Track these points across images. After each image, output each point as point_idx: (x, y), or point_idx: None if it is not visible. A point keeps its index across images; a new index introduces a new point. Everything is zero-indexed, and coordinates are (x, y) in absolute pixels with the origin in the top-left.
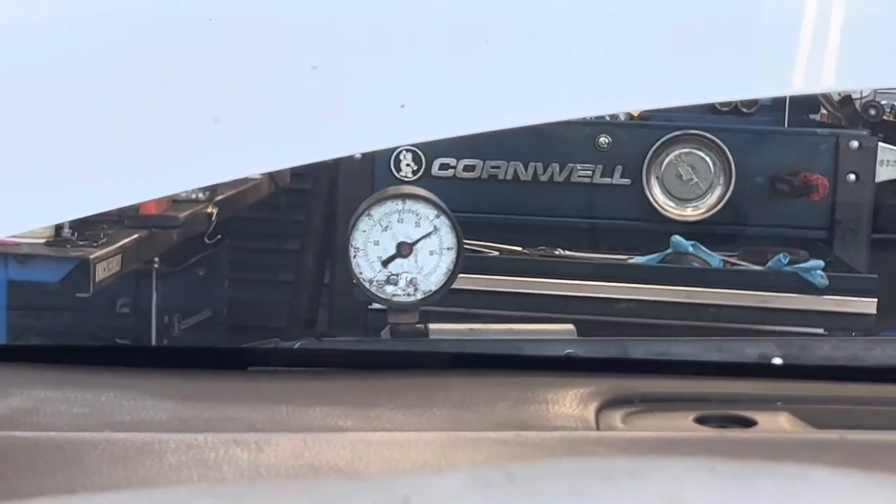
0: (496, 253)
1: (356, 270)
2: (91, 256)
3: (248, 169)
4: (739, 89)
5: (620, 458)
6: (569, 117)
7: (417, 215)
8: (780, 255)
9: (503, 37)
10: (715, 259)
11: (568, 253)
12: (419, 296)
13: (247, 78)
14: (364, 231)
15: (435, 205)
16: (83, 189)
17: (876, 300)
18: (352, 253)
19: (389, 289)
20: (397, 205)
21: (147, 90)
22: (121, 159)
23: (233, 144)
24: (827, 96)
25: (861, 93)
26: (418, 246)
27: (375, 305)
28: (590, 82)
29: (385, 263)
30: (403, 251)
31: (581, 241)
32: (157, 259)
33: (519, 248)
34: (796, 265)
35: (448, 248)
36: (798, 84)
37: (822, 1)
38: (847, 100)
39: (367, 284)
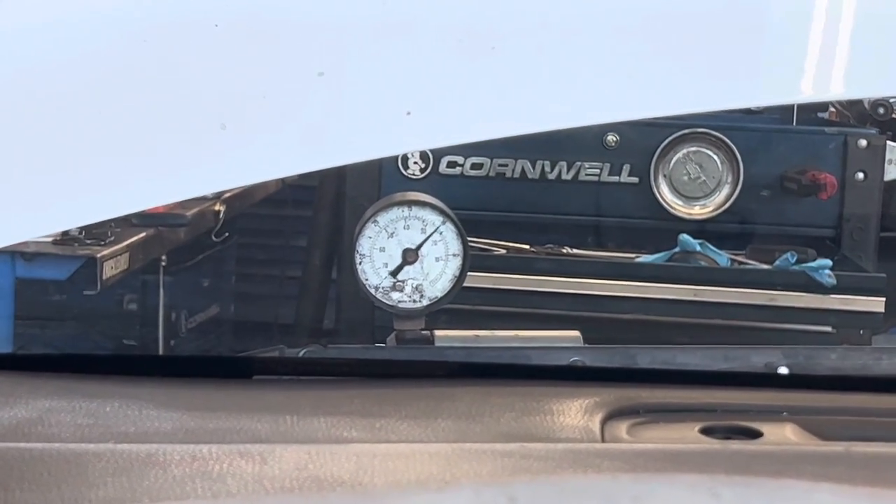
0: (504, 251)
1: (362, 277)
2: (98, 255)
3: (254, 176)
4: (749, 97)
5: (624, 478)
6: (574, 125)
7: (423, 222)
8: (788, 254)
9: (509, 44)
10: (722, 258)
11: (575, 251)
12: (425, 302)
13: (253, 84)
14: (370, 237)
15: (441, 211)
16: (91, 197)
17: (884, 299)
18: (357, 259)
19: (395, 295)
20: (403, 211)
21: (154, 97)
22: (128, 166)
23: (239, 151)
24: None
25: None
26: (424, 252)
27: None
28: (596, 90)
29: (394, 273)
30: (409, 258)
31: (588, 240)
32: (164, 257)
33: (526, 246)
34: (804, 264)
35: (454, 255)
36: (807, 92)
37: (832, 10)
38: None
39: (372, 291)
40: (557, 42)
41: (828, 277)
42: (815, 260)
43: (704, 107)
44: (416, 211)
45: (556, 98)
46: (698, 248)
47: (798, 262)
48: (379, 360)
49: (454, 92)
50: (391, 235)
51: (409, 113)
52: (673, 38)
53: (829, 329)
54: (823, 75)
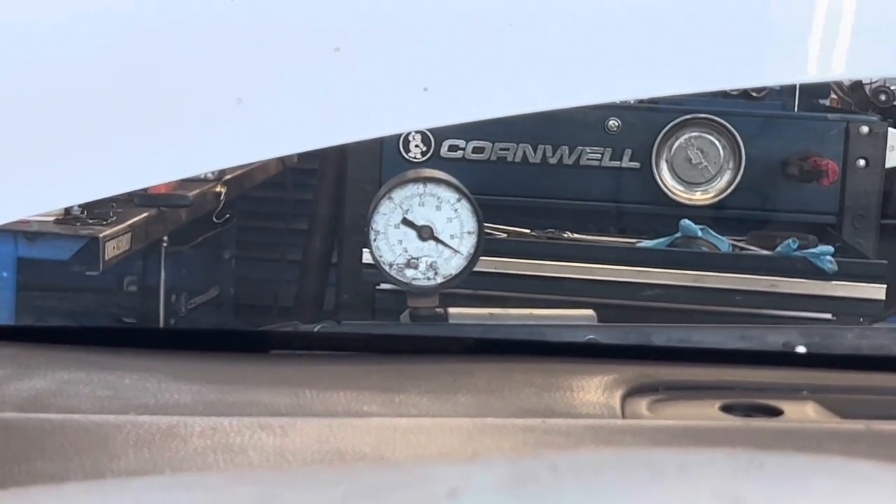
0: (504, 235)
1: (376, 254)
2: (101, 235)
3: (269, 151)
4: (752, 77)
5: (663, 450)
6: (590, 102)
7: (438, 199)
8: (790, 240)
9: (527, 20)
10: (724, 243)
11: (576, 236)
12: (439, 280)
13: (269, 59)
14: (385, 214)
15: (456, 188)
16: (106, 170)
17: (885, 286)
18: (372, 236)
19: (409, 272)
20: (418, 188)
21: (170, 71)
22: (143, 140)
23: (255, 126)
24: (837, 81)
25: (871, 78)
26: (439, 229)
27: (384, 286)
28: (610, 67)
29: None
30: (424, 235)
31: (590, 224)
32: (165, 238)
33: (527, 231)
34: (805, 250)
35: (469, 233)
36: (812, 71)
37: None
38: (857, 85)
39: (386, 268)
40: (574, 19)
41: (829, 264)
42: (816, 246)
43: (718, 85)
44: (431, 188)
45: (573, 75)
46: (700, 233)
47: (799, 248)
48: (396, 335)
49: (471, 68)
50: (406, 212)
51: (425, 89)
52: (683, 16)
53: (829, 316)
54: (825, 55)
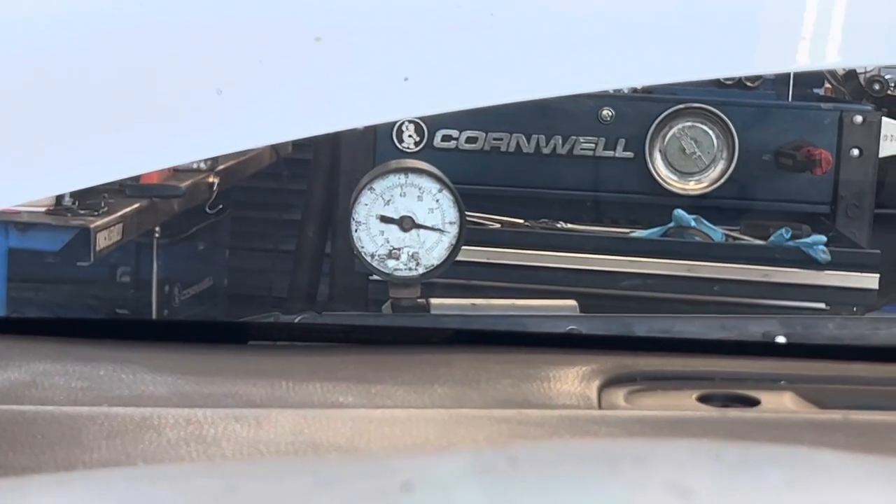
0: (498, 225)
1: (357, 244)
2: (92, 225)
3: (250, 141)
4: (746, 65)
5: (624, 442)
6: (574, 92)
7: (420, 189)
8: (783, 230)
9: (509, 9)
10: (717, 233)
11: (570, 226)
12: (421, 270)
13: (249, 49)
14: (366, 205)
15: (438, 179)
16: (87, 160)
17: (878, 275)
18: (353, 227)
19: (391, 263)
20: (400, 178)
21: (149, 61)
22: (123, 130)
23: (235, 116)
24: (831, 70)
25: (865, 67)
26: (421, 220)
27: (377, 276)
28: (596, 56)
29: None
30: (405, 225)
31: (583, 214)
32: (157, 228)
33: (521, 221)
34: (799, 240)
35: (450, 223)
36: (803, 60)
37: None
38: (851, 74)
39: (368, 258)
40: (559, 6)
41: (822, 253)
42: (809, 236)
43: (706, 74)
44: (412, 178)
45: (554, 64)
46: (693, 223)
47: (793, 237)
48: (375, 326)
49: (452, 57)
50: (387, 203)
51: (406, 79)
52: (675, 3)
53: (822, 305)
54: (819, 43)
